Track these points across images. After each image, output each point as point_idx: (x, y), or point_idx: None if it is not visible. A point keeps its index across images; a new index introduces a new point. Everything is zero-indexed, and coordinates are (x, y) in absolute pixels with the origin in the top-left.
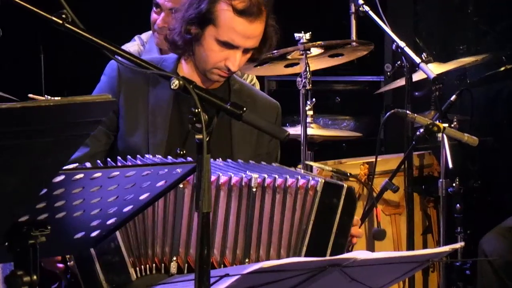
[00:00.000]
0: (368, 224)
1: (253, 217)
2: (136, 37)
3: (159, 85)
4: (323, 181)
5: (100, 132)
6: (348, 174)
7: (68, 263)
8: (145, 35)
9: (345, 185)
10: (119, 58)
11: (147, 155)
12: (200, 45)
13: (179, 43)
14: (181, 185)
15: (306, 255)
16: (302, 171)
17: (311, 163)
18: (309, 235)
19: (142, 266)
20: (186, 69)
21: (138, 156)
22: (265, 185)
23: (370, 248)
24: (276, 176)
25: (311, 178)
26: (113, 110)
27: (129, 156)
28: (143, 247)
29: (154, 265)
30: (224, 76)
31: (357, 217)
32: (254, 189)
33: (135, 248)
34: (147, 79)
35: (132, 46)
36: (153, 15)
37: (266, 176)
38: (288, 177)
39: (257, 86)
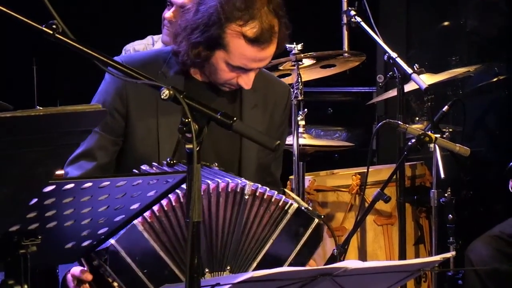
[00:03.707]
0: (360, 233)
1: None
2: (149, 37)
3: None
4: (297, 206)
5: (107, 141)
6: (322, 216)
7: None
8: (158, 36)
9: (316, 220)
10: (111, 69)
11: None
12: (210, 64)
13: (188, 63)
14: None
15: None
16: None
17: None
18: (265, 253)
19: None
20: None
21: (144, 167)
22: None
23: (362, 257)
24: (259, 186)
25: (284, 198)
26: (119, 113)
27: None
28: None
29: None
30: (235, 88)
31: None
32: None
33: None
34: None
35: (139, 44)
36: (165, 12)
37: (228, 181)
38: (267, 188)
39: None
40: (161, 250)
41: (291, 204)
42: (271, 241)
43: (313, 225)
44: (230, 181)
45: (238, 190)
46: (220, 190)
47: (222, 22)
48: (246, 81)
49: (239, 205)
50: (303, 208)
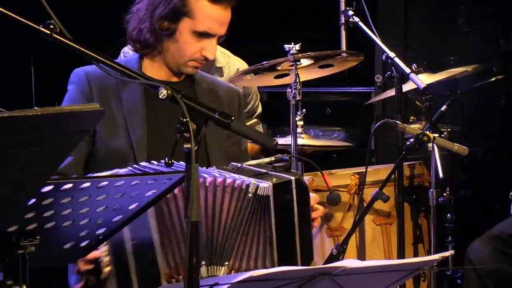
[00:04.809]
0: (359, 232)
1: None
2: None
3: (129, 83)
4: (272, 184)
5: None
6: (288, 157)
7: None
8: None
9: (293, 178)
10: (107, 68)
11: (143, 163)
12: (173, 40)
13: (151, 41)
14: None
15: (279, 259)
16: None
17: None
18: (276, 239)
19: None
20: (151, 66)
21: (129, 168)
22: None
23: (361, 257)
24: (259, 183)
25: (260, 183)
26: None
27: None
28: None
29: None
30: (199, 66)
31: (315, 195)
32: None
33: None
34: (116, 79)
35: None
36: None
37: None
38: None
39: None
40: (155, 232)
41: (266, 187)
42: (273, 227)
43: (293, 185)
44: (236, 177)
45: (243, 187)
46: (216, 184)
47: None
48: (210, 50)
49: (242, 202)
50: (276, 181)
